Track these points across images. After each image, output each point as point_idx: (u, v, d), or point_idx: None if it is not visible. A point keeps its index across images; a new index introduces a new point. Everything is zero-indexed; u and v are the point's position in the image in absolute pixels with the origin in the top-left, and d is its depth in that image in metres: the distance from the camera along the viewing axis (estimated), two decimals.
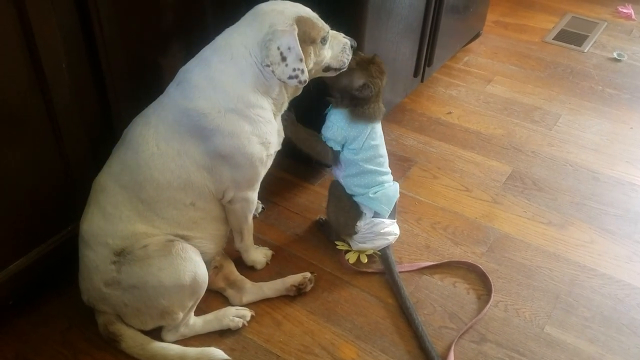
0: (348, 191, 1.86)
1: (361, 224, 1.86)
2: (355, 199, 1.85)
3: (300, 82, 1.52)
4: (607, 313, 1.82)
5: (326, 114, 1.84)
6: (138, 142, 1.54)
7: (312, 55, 1.58)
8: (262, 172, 1.68)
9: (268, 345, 1.67)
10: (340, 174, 1.86)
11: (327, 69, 1.68)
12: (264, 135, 1.59)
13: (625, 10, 3.80)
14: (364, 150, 1.80)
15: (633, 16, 3.76)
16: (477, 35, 3.24)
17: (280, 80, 1.53)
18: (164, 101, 1.57)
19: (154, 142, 1.53)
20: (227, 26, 1.59)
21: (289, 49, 1.48)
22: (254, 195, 1.72)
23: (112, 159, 1.59)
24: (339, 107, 1.79)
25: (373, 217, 1.86)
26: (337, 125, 1.78)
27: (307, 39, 1.54)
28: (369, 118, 1.78)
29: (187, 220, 1.60)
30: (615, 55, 3.31)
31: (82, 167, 1.64)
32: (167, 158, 1.53)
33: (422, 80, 2.66)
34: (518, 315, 1.79)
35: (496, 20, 3.64)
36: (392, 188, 1.89)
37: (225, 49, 1.53)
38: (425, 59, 2.58)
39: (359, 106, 1.76)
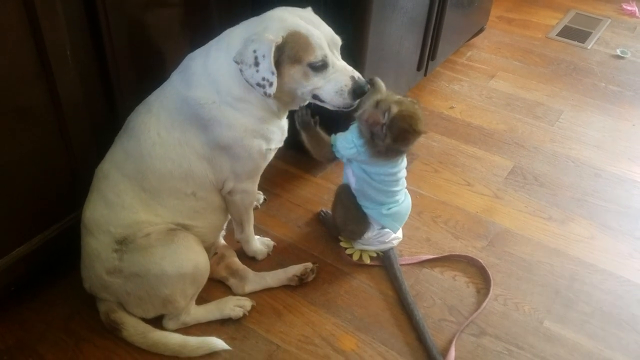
0: (359, 201, 1.81)
1: (369, 235, 1.86)
2: (366, 211, 1.82)
3: (265, 93, 1.45)
4: (606, 309, 1.82)
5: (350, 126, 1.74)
6: (140, 130, 1.54)
7: (293, 75, 1.49)
8: (262, 165, 1.68)
9: (268, 335, 1.68)
10: (352, 183, 1.80)
11: (317, 98, 1.56)
12: (259, 129, 1.57)
13: (629, 8, 3.79)
14: (379, 174, 1.72)
15: (637, 13, 3.75)
16: (480, 30, 3.24)
17: (247, 82, 1.45)
18: (166, 89, 1.57)
19: (156, 130, 1.53)
20: (233, 15, 1.59)
21: (263, 56, 1.42)
22: (253, 187, 1.72)
23: (115, 147, 1.60)
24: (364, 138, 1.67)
25: (381, 229, 1.86)
26: (353, 144, 1.67)
27: (292, 56, 1.46)
28: (387, 159, 1.70)
29: (188, 209, 1.60)
30: (618, 52, 3.31)
31: (86, 154, 1.64)
32: (168, 147, 1.53)
33: (425, 74, 2.66)
34: (517, 310, 1.80)
35: (500, 15, 3.63)
36: (404, 204, 1.85)
37: (224, 39, 1.53)
38: (429, 53, 2.58)
39: (380, 146, 1.65)
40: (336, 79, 1.51)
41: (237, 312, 1.69)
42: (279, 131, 1.63)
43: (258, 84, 1.44)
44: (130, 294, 1.55)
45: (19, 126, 1.47)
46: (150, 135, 1.53)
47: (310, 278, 1.82)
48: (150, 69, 1.75)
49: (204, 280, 1.61)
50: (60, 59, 1.47)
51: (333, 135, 1.75)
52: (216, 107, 1.51)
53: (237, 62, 1.44)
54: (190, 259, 1.54)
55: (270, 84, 1.44)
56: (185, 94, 1.52)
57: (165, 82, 1.59)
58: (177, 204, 1.58)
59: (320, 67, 1.49)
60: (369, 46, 2.01)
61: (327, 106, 1.57)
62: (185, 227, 1.60)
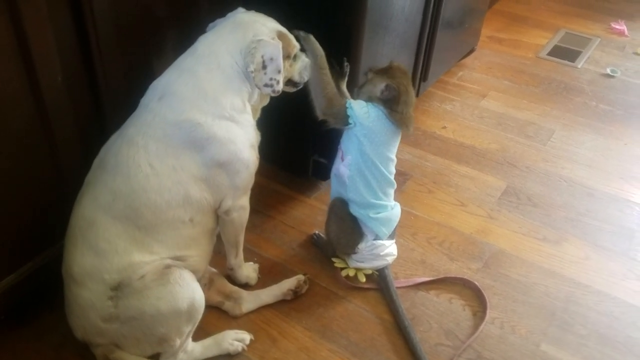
0: (350, 205, 1.82)
1: (362, 246, 1.85)
2: (355, 214, 1.81)
3: (274, 91, 1.59)
4: (602, 331, 1.81)
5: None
6: (128, 165, 1.47)
7: (286, 69, 1.66)
8: (254, 175, 1.69)
9: None
10: (344, 174, 1.80)
11: (290, 83, 1.75)
12: (252, 138, 1.62)
13: (618, 27, 3.83)
14: (377, 154, 1.76)
15: (626, 32, 3.79)
16: (471, 51, 3.26)
17: (257, 87, 1.58)
18: (147, 118, 1.50)
19: (146, 162, 1.47)
20: None
21: (271, 59, 1.54)
22: (247, 201, 1.72)
23: (95, 189, 1.50)
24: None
25: (375, 239, 1.85)
26: (365, 105, 1.75)
27: (284, 54, 1.59)
28: (398, 122, 1.76)
29: (185, 238, 1.56)
30: (608, 71, 3.33)
31: (76, 181, 1.60)
32: (163, 176, 1.48)
33: (417, 95, 2.67)
34: (514, 333, 1.79)
35: (490, 35, 3.66)
36: (394, 211, 1.87)
37: (210, 58, 1.54)
38: (420, 73, 2.59)
39: (392, 108, 1.75)
40: (301, 61, 1.72)
41: (236, 347, 1.66)
42: (257, 135, 1.69)
43: (266, 85, 1.57)
44: (127, 337, 1.49)
45: (4, 150, 1.44)
46: (141, 169, 1.47)
47: (304, 290, 1.83)
48: (140, 85, 1.73)
49: (199, 316, 1.56)
50: (52, 86, 1.46)
51: (347, 99, 1.80)
52: (216, 124, 1.52)
53: (252, 72, 1.54)
54: (186, 296, 1.48)
55: (278, 82, 1.58)
56: (176, 119, 1.49)
57: (141, 113, 1.53)
58: (174, 235, 1.53)
59: (297, 55, 1.70)
60: (361, 67, 2.01)
61: (288, 88, 1.75)
62: (180, 259, 1.56)
